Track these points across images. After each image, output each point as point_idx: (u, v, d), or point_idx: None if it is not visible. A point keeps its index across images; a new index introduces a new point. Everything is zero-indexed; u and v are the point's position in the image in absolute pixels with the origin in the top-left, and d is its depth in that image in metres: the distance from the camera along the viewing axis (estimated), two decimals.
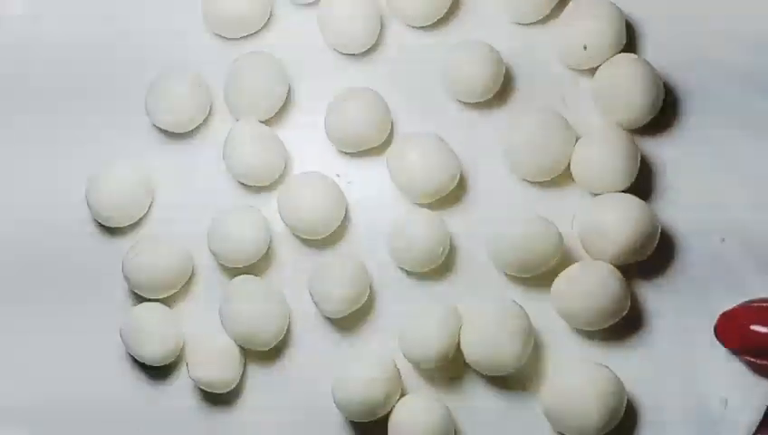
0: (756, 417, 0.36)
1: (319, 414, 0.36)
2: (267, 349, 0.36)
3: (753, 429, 0.36)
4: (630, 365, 0.36)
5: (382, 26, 0.38)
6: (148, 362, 0.37)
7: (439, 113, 0.38)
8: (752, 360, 0.36)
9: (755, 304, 0.36)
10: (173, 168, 0.39)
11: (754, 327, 0.35)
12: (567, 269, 0.35)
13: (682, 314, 0.36)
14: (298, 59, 0.39)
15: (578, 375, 0.34)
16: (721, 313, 0.36)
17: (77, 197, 0.39)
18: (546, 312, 0.36)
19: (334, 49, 0.38)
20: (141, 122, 0.39)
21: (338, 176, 0.37)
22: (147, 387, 0.38)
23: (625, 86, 0.36)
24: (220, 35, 0.39)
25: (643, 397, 0.36)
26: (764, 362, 0.36)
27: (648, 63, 0.37)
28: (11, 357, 0.39)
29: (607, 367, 0.35)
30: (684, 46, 0.38)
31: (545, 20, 0.38)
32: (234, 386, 0.37)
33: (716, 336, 0.36)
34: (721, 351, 0.36)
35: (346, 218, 0.37)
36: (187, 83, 0.38)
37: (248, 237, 0.36)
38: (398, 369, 0.35)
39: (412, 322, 0.35)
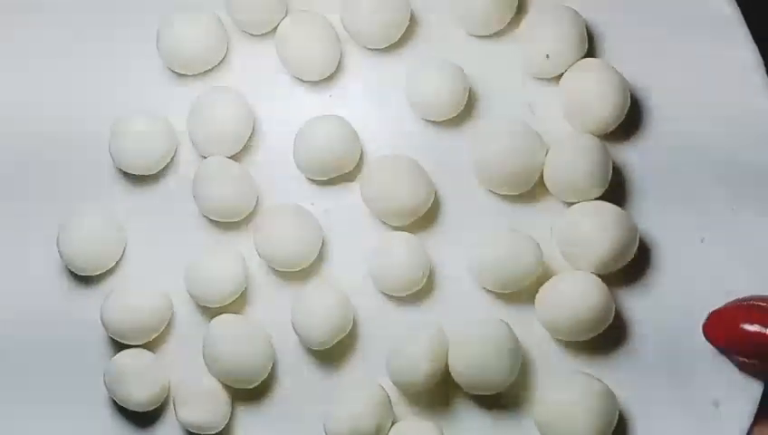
0: (748, 417, 0.36)
1: None
2: (253, 387, 0.36)
3: (746, 429, 0.36)
4: (619, 373, 0.36)
5: (342, 51, 0.38)
6: (134, 408, 0.37)
7: (408, 134, 0.37)
8: (742, 359, 0.36)
9: (745, 303, 0.36)
10: (143, 210, 0.38)
11: (744, 326, 0.35)
12: (549, 281, 0.35)
13: (667, 317, 0.37)
14: (261, 90, 0.38)
15: (569, 389, 0.34)
16: (710, 311, 0.36)
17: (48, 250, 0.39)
18: (532, 326, 0.36)
19: (295, 77, 0.38)
20: (107, 167, 0.39)
21: (312, 205, 0.37)
22: (135, 433, 0.38)
23: (592, 91, 0.36)
24: (179, 73, 0.39)
25: (633, 405, 0.36)
26: (754, 362, 0.36)
27: (612, 67, 0.37)
28: None
29: (598, 379, 0.35)
30: (643, 48, 0.38)
31: (505, 31, 0.38)
32: (222, 427, 0.36)
33: (705, 335, 0.37)
34: (709, 352, 0.36)
35: (323, 248, 0.37)
36: (149, 124, 0.37)
37: (225, 276, 0.36)
38: (388, 396, 0.35)
39: (398, 347, 0.35)
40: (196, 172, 0.37)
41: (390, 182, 0.35)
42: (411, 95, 0.37)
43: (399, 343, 0.35)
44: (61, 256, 0.38)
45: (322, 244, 0.36)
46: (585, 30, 0.37)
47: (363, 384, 0.35)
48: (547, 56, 0.37)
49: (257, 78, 0.38)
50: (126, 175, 0.38)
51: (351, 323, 0.36)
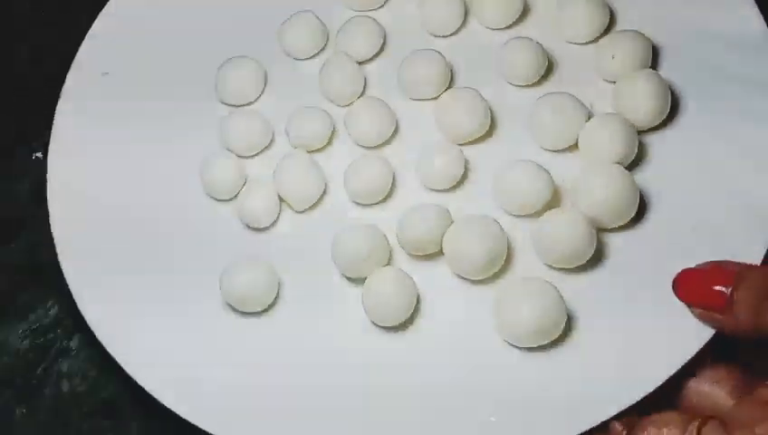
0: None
1: None
2: None
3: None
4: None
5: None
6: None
7: None
8: (701, 312, 0.41)
9: (711, 265, 0.40)
10: None
11: (708, 285, 0.40)
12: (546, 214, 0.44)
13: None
14: None
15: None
16: (682, 270, 0.41)
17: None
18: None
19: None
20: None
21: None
22: None
23: (642, 96, 0.46)
24: None
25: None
26: (713, 316, 0.40)
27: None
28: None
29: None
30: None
31: None
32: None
33: (674, 289, 0.41)
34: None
35: None
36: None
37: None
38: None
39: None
40: None
41: None
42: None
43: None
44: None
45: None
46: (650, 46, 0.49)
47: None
48: (612, 57, 0.48)
49: None
50: None
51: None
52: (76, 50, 0.53)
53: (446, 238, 0.44)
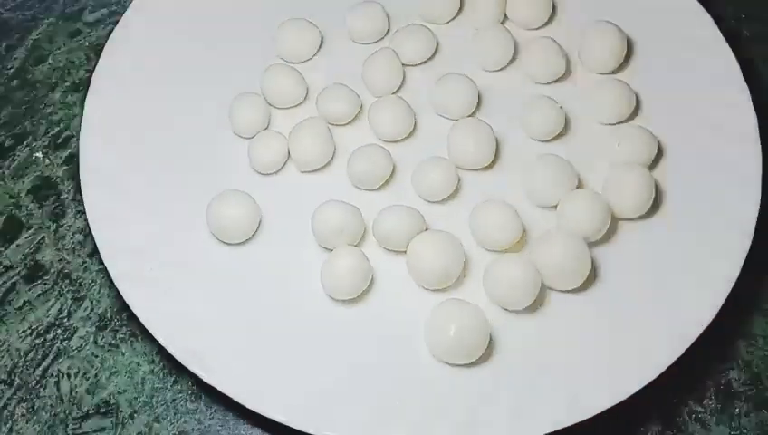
0: None
1: None
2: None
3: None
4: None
5: None
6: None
7: None
8: None
9: None
10: None
11: None
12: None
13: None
14: None
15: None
16: None
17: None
18: None
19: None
20: None
21: None
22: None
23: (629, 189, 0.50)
24: None
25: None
26: None
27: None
28: None
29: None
30: None
31: None
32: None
33: None
34: None
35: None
36: None
37: None
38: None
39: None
40: None
41: None
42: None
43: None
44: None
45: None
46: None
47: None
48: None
49: None
50: None
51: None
52: (76, 49, 0.54)
53: (410, 244, 0.47)
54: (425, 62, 0.55)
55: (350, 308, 0.48)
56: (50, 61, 0.59)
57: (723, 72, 0.53)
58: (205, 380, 0.45)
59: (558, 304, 0.48)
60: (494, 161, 0.52)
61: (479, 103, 0.53)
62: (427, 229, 0.49)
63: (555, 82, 0.54)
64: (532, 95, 0.53)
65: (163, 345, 0.46)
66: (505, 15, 0.56)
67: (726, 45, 0.54)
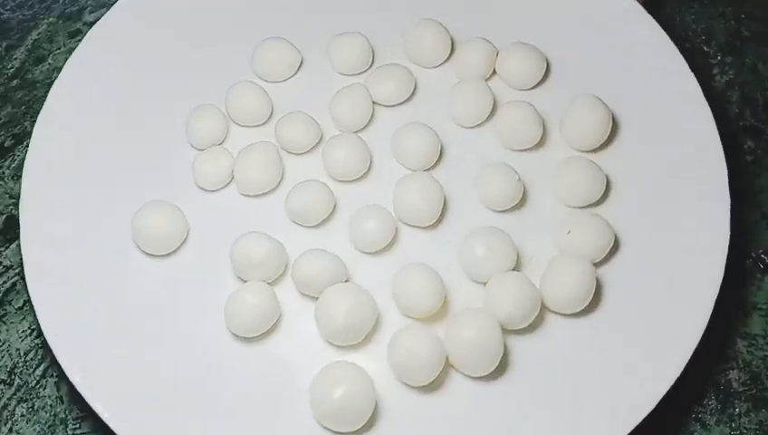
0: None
1: None
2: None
3: None
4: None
5: None
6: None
7: None
8: None
9: None
10: None
11: None
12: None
13: None
14: None
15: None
16: None
17: None
18: None
19: None
20: None
21: None
22: None
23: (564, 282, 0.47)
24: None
25: None
26: None
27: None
28: None
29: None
30: None
31: None
32: None
33: None
34: None
35: None
36: None
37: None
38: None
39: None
40: None
41: None
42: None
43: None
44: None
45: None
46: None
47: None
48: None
49: None
50: None
51: None
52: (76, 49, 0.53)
53: (323, 293, 0.46)
54: (399, 104, 0.53)
55: (248, 347, 0.46)
56: (50, 61, 0.59)
57: (708, 174, 0.50)
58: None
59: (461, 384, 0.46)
60: (439, 221, 0.49)
61: (440, 157, 0.51)
62: (347, 280, 0.47)
63: (526, 150, 0.51)
64: (495, 161, 0.50)
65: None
66: (495, 70, 0.54)
67: (719, 145, 0.50)
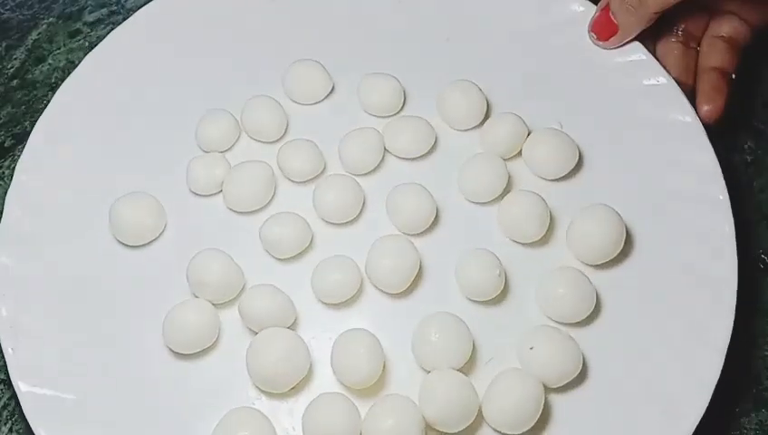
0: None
1: None
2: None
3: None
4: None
5: None
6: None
7: None
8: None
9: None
10: None
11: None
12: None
13: None
14: None
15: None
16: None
17: None
18: None
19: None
20: None
21: None
22: None
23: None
24: None
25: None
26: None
27: None
28: None
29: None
30: None
31: None
32: None
33: (596, 37, 0.54)
34: None
35: None
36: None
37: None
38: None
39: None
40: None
41: None
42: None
43: None
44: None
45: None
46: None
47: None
48: None
49: None
50: None
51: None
52: (76, 49, 0.53)
53: (255, 338, 0.45)
54: (413, 158, 0.51)
55: (186, 362, 0.46)
56: (50, 61, 0.59)
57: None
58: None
59: None
60: (410, 290, 0.47)
61: (432, 225, 0.49)
62: (290, 325, 0.46)
63: (525, 244, 0.49)
64: (481, 248, 0.47)
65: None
66: (521, 151, 0.51)
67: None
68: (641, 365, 0.46)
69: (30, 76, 0.58)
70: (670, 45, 0.54)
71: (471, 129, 0.52)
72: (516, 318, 0.47)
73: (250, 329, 0.46)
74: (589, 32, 0.54)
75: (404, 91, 0.52)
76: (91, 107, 0.53)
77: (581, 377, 0.45)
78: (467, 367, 0.45)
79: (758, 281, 0.52)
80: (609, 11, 0.53)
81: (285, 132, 0.52)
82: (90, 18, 0.61)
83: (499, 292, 0.47)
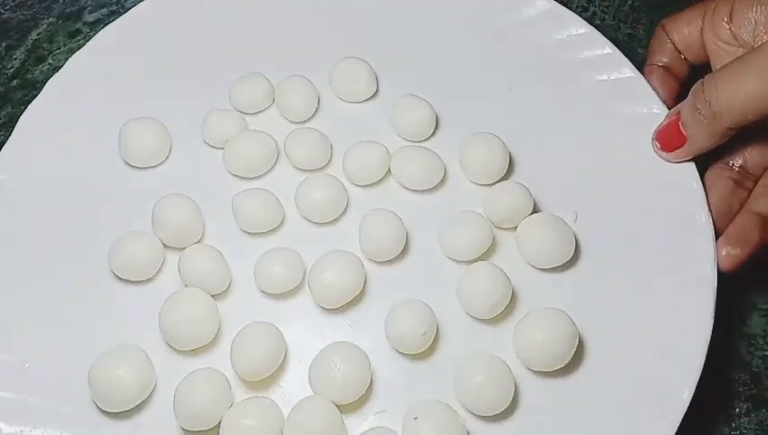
0: None
1: None
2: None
3: None
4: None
5: None
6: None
7: None
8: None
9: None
10: None
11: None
12: None
13: None
14: None
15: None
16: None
17: None
18: None
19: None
20: None
21: None
22: None
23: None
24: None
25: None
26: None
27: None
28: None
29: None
30: None
31: None
32: None
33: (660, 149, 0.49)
34: None
35: None
36: None
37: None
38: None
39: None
40: None
41: None
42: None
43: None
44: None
45: None
46: None
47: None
48: None
49: None
50: None
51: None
52: (76, 49, 0.53)
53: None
54: (418, 191, 0.50)
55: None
56: (50, 61, 0.59)
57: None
58: None
59: None
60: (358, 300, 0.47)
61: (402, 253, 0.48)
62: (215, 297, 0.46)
63: (482, 320, 0.46)
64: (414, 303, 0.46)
65: None
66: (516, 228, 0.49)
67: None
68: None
69: (30, 76, 0.58)
70: (722, 178, 0.49)
71: (482, 184, 0.50)
72: (428, 384, 0.45)
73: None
74: (652, 139, 0.49)
75: (437, 122, 0.51)
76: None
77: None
78: (353, 405, 0.44)
79: (758, 281, 0.51)
80: (678, 121, 0.48)
81: (311, 118, 0.52)
82: (90, 18, 0.61)
83: (421, 351, 0.45)
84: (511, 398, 0.43)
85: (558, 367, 0.44)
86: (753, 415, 0.48)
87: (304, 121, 0.52)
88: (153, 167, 0.50)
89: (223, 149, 0.50)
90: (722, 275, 0.46)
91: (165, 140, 0.50)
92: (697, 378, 0.44)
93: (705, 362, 0.46)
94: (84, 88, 0.52)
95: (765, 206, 0.47)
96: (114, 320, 0.46)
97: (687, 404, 0.43)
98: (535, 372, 0.45)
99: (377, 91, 0.53)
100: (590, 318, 0.46)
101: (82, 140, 0.51)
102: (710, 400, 0.48)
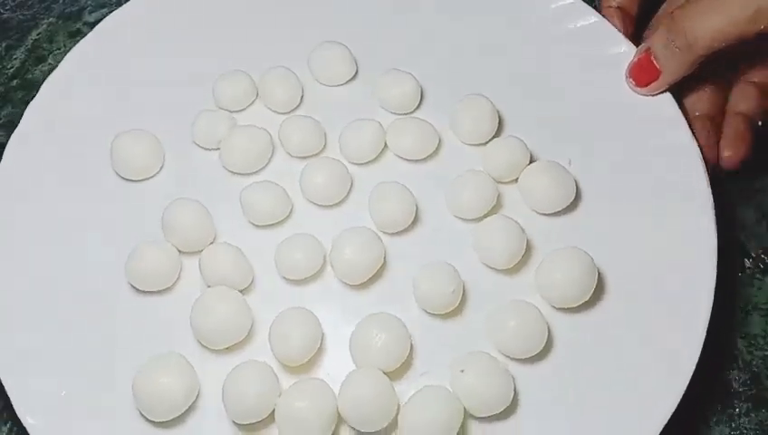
0: None
1: None
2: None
3: None
4: None
5: None
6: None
7: None
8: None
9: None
10: None
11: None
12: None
13: None
14: None
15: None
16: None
17: None
18: None
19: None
20: None
21: None
22: None
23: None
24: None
25: None
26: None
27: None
28: None
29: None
30: None
31: None
32: None
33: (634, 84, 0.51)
34: None
35: None
36: None
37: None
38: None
39: None
40: None
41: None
42: None
43: None
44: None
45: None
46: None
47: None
48: None
49: None
50: None
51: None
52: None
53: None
54: (413, 160, 0.51)
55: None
56: (50, 61, 0.59)
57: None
58: None
59: None
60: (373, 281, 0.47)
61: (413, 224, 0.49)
62: (242, 292, 0.46)
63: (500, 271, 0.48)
64: (436, 262, 0.47)
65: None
66: (517, 179, 0.50)
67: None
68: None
69: (30, 76, 0.58)
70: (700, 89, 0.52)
71: (477, 144, 0.51)
72: (463, 340, 0.46)
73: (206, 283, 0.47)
74: (626, 77, 0.52)
75: (421, 93, 0.52)
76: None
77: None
78: (398, 372, 0.45)
79: (758, 281, 0.52)
80: (650, 54, 0.51)
81: (297, 107, 0.53)
82: (90, 18, 0.61)
83: (451, 309, 0.46)
84: (546, 337, 0.45)
85: (583, 301, 0.46)
86: (753, 415, 0.48)
87: (291, 111, 0.52)
88: (149, 178, 0.50)
89: (216, 149, 0.50)
90: (722, 275, 0.47)
91: (157, 149, 0.50)
92: (713, 286, 0.46)
93: (704, 363, 0.46)
94: (71, 97, 0.52)
95: (745, 105, 0.52)
96: (142, 333, 0.46)
97: (709, 310, 0.45)
98: (563, 311, 0.46)
99: (357, 71, 0.53)
100: (601, 252, 0.47)
101: (76, 154, 0.51)
102: (710, 400, 0.48)
